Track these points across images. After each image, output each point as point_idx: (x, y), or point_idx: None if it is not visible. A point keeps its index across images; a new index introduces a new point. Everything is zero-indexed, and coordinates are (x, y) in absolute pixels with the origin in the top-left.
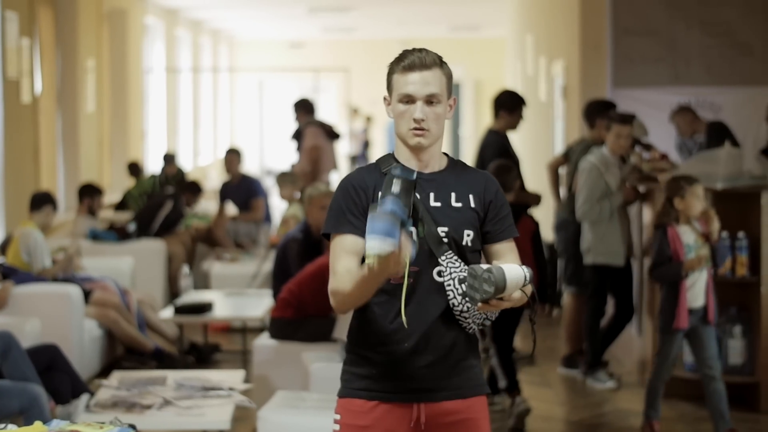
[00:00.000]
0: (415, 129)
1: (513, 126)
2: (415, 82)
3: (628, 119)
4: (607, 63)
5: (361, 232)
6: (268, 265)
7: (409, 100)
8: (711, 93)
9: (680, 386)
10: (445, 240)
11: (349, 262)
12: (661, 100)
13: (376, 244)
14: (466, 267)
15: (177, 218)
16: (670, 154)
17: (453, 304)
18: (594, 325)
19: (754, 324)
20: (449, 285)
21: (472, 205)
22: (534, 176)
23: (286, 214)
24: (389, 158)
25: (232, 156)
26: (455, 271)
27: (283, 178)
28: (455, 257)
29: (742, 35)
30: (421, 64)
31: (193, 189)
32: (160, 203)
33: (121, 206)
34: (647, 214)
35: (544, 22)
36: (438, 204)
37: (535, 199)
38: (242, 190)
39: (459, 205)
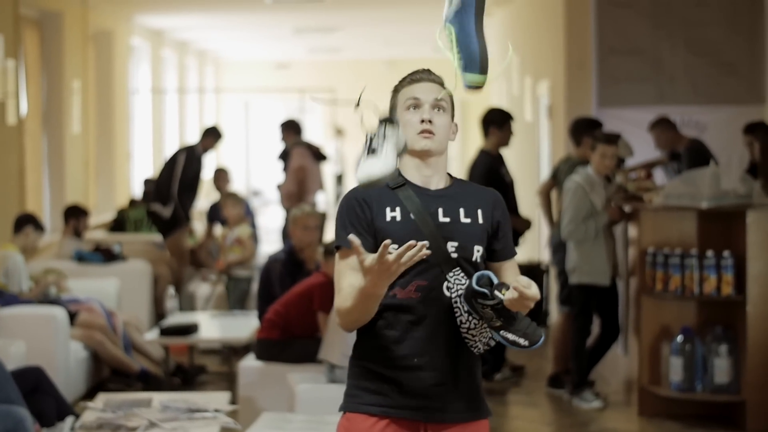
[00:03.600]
0: (423, 132)
1: (505, 142)
2: (423, 89)
3: (613, 139)
4: (592, 82)
5: (367, 246)
6: (221, 288)
7: (416, 104)
8: (696, 112)
9: (666, 405)
10: (455, 256)
11: (354, 279)
12: (647, 120)
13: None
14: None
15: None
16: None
17: (460, 321)
18: (580, 345)
19: (740, 343)
20: (456, 302)
21: (481, 221)
22: (520, 197)
23: (241, 235)
24: (397, 175)
25: (221, 175)
26: (462, 289)
27: (227, 199)
28: (462, 274)
29: (727, 54)
30: (429, 78)
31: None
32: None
33: (115, 227)
34: (632, 234)
35: (529, 42)
36: (447, 219)
37: (524, 224)
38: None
39: (468, 220)
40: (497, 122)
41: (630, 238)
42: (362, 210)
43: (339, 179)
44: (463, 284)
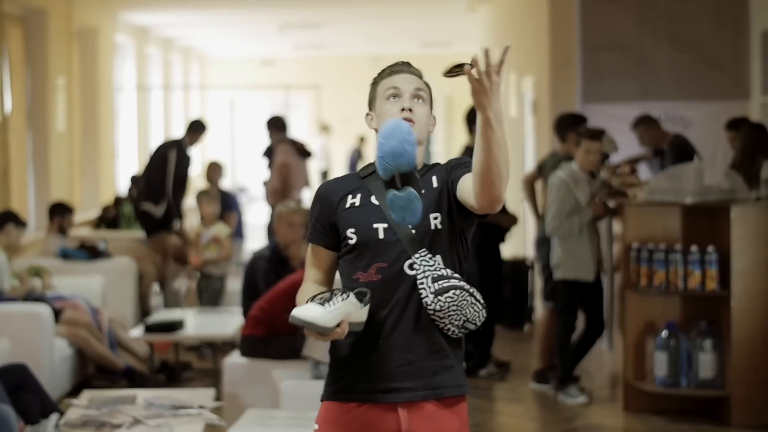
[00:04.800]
0: (404, 120)
1: None
2: (403, 80)
3: (597, 135)
4: (576, 78)
5: (319, 240)
6: (190, 284)
7: (396, 93)
8: (680, 107)
9: (651, 400)
10: (413, 232)
11: (315, 275)
12: (631, 115)
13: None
14: (440, 266)
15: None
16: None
17: (426, 303)
18: (565, 341)
19: (724, 338)
20: (422, 284)
21: (435, 185)
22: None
23: (218, 234)
24: (370, 166)
25: (215, 167)
26: (429, 270)
27: (201, 196)
28: (429, 255)
29: (711, 50)
30: (408, 70)
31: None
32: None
33: (108, 223)
34: (617, 229)
35: (514, 38)
36: None
37: (509, 220)
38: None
39: (422, 192)
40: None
41: (614, 233)
42: (323, 205)
43: (324, 175)
44: (431, 266)
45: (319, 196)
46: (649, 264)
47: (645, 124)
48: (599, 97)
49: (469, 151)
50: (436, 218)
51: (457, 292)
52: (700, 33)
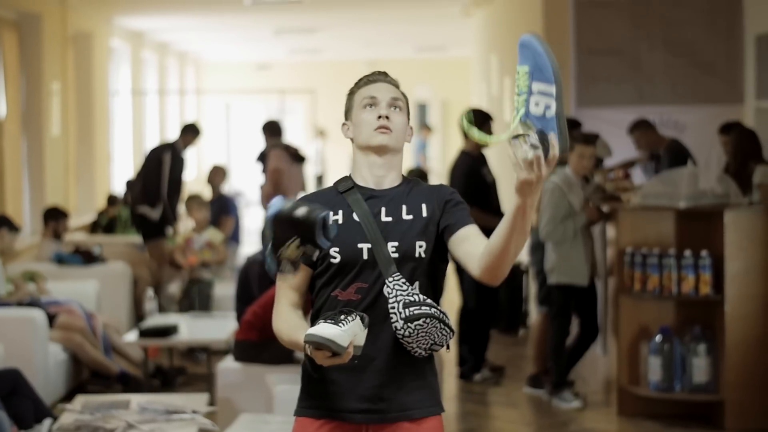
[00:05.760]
0: (380, 128)
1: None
2: (379, 89)
3: (590, 140)
4: (570, 83)
5: (307, 260)
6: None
7: (373, 102)
8: (675, 112)
9: (645, 405)
10: (396, 255)
11: (289, 296)
12: (626, 120)
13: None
14: (414, 291)
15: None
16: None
17: (396, 327)
18: (559, 345)
19: (718, 342)
20: (393, 308)
21: (425, 214)
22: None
23: (213, 239)
24: (346, 179)
25: (218, 171)
26: (401, 294)
27: (191, 202)
28: (402, 279)
29: (706, 54)
30: (384, 78)
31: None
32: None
33: (95, 228)
34: (611, 234)
35: (508, 43)
36: (389, 219)
37: None
38: (217, 206)
39: (410, 217)
40: (475, 124)
41: (608, 238)
42: None
43: (319, 180)
44: (404, 290)
45: None
46: (643, 268)
47: (641, 129)
48: (593, 102)
49: (464, 155)
50: (421, 246)
51: (428, 320)
52: (695, 37)
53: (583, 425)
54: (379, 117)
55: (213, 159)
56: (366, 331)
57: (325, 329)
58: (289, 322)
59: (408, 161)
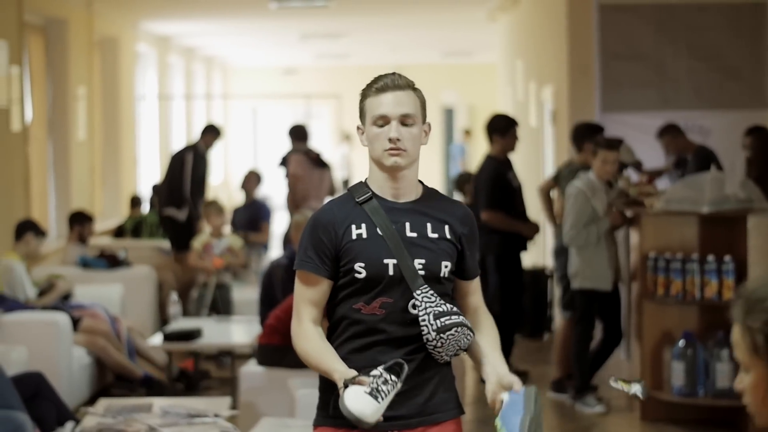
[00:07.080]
0: (391, 149)
1: (510, 148)
2: (389, 102)
3: (614, 144)
4: (595, 88)
5: (321, 271)
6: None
7: (383, 121)
8: (699, 117)
9: (668, 410)
10: (422, 273)
11: (311, 313)
12: (650, 125)
13: None
14: (441, 302)
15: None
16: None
17: (427, 339)
18: (582, 350)
19: None
20: (424, 320)
21: (448, 236)
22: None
23: (233, 245)
24: (361, 186)
25: (252, 177)
26: (431, 306)
27: (208, 208)
28: (431, 292)
29: (730, 59)
30: (394, 86)
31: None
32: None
33: (122, 232)
34: (634, 239)
35: (534, 48)
36: (414, 235)
37: (531, 229)
38: (251, 211)
39: (435, 236)
40: (500, 129)
41: (631, 243)
42: (326, 234)
43: (345, 184)
44: (432, 302)
45: (319, 223)
46: (666, 273)
47: (671, 133)
48: (618, 107)
49: (490, 160)
50: (446, 266)
51: (459, 329)
52: (719, 42)
53: (606, 430)
54: (390, 140)
55: (240, 163)
56: (400, 385)
57: (361, 405)
58: (313, 344)
59: (447, 166)
